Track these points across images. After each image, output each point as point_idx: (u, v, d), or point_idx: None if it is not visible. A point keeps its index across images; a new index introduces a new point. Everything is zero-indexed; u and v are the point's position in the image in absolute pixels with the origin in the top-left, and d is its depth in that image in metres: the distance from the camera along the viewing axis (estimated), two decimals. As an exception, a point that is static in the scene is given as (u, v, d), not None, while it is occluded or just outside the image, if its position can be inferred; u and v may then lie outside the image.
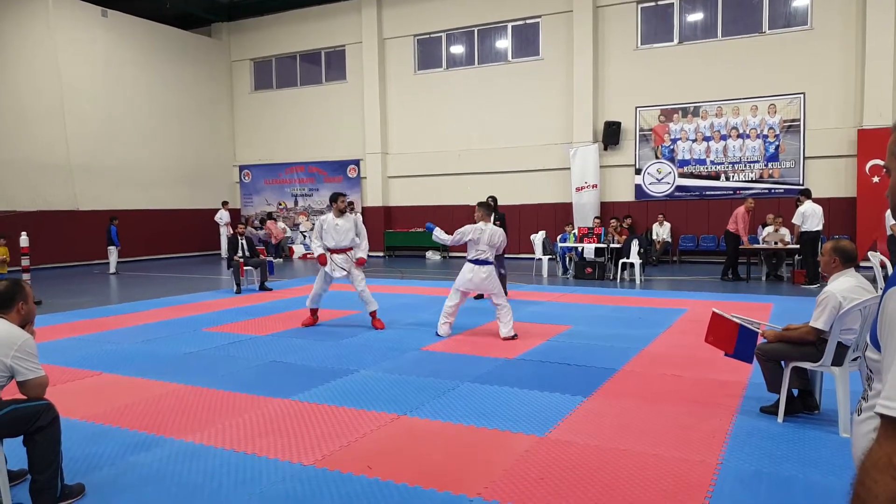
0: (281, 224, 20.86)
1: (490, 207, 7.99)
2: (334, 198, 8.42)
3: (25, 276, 11.22)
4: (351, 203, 17.86)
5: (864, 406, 1.43)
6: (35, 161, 17.22)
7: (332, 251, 8.36)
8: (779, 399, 4.64)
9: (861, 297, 4.30)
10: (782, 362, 4.65)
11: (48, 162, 17.45)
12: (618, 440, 4.27)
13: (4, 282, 3.59)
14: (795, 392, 4.75)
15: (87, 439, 4.38)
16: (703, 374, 5.88)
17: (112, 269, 16.11)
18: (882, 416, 1.24)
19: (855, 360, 4.46)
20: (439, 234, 7.84)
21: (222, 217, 20.64)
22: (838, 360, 4.39)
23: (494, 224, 8.28)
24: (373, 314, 8.42)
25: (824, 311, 4.35)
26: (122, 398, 5.37)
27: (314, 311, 8.71)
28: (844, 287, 4.37)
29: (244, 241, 12.85)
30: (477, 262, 7.68)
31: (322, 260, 8.28)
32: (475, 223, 7.80)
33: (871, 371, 1.45)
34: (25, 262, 11.45)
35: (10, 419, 3.30)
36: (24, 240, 11.47)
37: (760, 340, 4.81)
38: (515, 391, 5.39)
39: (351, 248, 8.40)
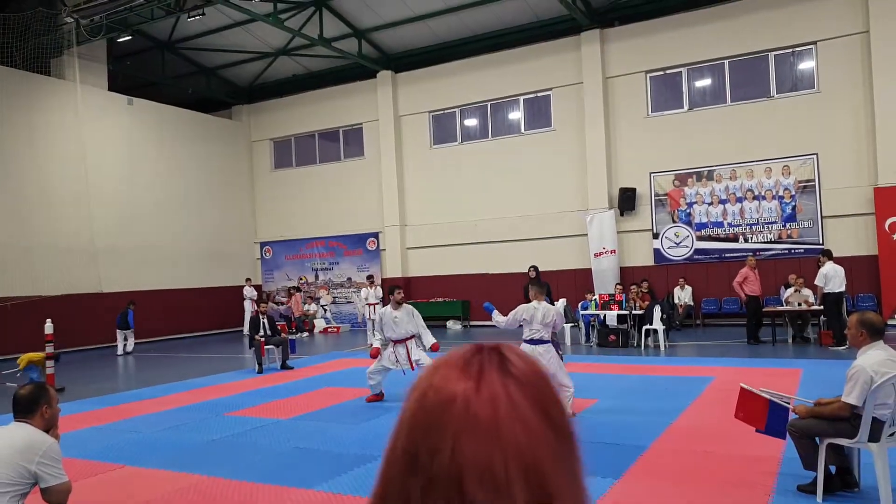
0: (312, 306, 21.00)
1: (543, 286, 7.87)
2: (391, 290, 8.76)
3: (49, 363, 11.30)
4: (371, 276, 17.95)
5: None
6: (60, 246, 17.59)
7: (395, 342, 8.60)
8: (816, 477, 4.50)
9: (893, 371, 4.21)
10: (817, 439, 4.53)
11: (73, 246, 17.81)
12: (651, 527, 4.13)
13: (29, 386, 3.63)
14: (833, 469, 4.60)
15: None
16: (736, 449, 5.72)
17: (129, 350, 16.32)
18: None
19: (892, 435, 4.34)
20: (497, 318, 7.76)
21: (248, 293, 20.80)
22: (875, 436, 4.27)
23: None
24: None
25: (856, 386, 4.26)
26: (144, 493, 5.31)
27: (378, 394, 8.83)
28: (875, 361, 4.29)
29: (265, 320, 12.91)
30: (532, 341, 7.40)
31: (374, 353, 8.60)
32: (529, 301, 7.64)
33: None
34: (49, 349, 11.53)
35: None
36: (48, 327, 11.60)
37: (791, 416, 4.69)
38: (543, 474, 5.27)
39: (411, 338, 8.62)
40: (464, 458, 0.66)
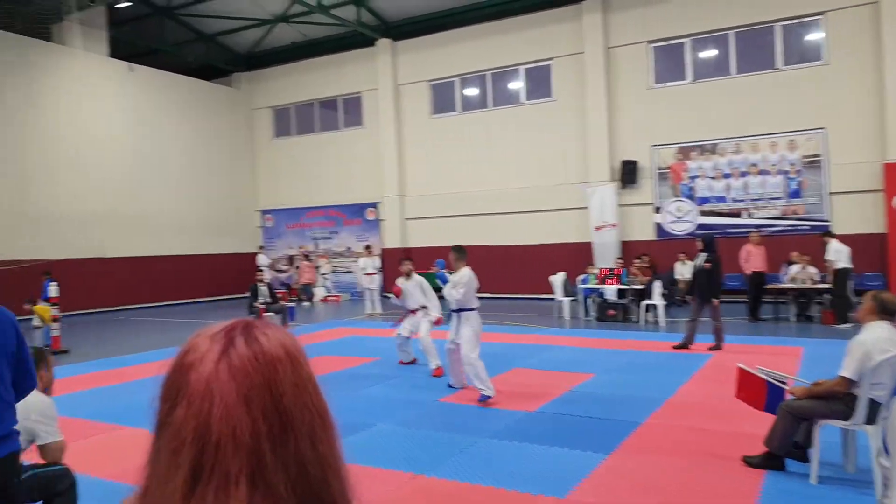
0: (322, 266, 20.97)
1: (464, 253, 7.26)
2: (401, 262, 9.02)
3: (55, 326, 11.37)
4: (369, 246, 17.85)
5: None
6: (62, 212, 17.57)
7: (408, 311, 8.84)
8: (767, 452, 4.56)
9: (893, 350, 4.16)
10: (812, 419, 4.49)
11: (75, 212, 17.80)
12: (642, 504, 4.11)
13: (30, 349, 3.62)
14: (792, 440, 4.60)
15: (105, 499, 4.28)
16: (730, 426, 5.69)
17: None
18: None
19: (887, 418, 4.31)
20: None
21: (262, 261, 20.72)
22: (871, 419, 4.22)
23: (705, 265, 9.34)
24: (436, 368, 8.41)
25: (853, 360, 4.21)
26: (141, 454, 5.30)
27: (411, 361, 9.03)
28: (876, 337, 4.23)
29: (265, 288, 12.91)
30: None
31: (397, 291, 8.83)
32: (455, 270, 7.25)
33: (885, 477, 1.37)
34: (55, 312, 11.57)
35: (30, 485, 3.33)
36: (53, 290, 11.63)
37: (788, 397, 4.66)
38: (535, 448, 5.26)
39: (418, 310, 8.73)
40: (174, 418, 0.77)
